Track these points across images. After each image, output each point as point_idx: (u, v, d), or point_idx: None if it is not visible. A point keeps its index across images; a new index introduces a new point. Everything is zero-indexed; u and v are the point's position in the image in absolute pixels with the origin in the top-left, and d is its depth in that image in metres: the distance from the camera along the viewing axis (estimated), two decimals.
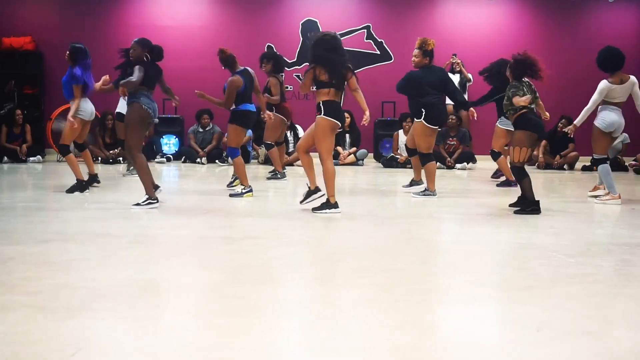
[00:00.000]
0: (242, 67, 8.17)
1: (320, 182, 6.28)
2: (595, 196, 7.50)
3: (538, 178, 10.77)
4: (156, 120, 6.80)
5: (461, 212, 6.62)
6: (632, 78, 7.44)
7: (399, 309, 3.28)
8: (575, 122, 7.63)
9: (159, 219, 5.86)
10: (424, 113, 7.65)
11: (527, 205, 6.34)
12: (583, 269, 4.13)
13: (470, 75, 13.30)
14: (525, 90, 6.63)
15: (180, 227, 5.43)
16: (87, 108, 7.78)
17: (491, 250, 4.71)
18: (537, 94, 6.90)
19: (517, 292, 3.60)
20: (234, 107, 7.77)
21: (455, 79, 13.58)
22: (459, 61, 13.41)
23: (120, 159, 11.85)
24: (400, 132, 12.27)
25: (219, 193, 7.80)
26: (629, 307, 3.43)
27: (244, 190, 7.29)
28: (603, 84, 7.44)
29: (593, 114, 7.56)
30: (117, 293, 3.45)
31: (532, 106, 6.64)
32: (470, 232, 5.48)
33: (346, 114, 12.78)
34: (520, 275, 4.00)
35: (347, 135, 12.90)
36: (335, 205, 6.15)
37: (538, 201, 6.35)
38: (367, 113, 6.62)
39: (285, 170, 9.70)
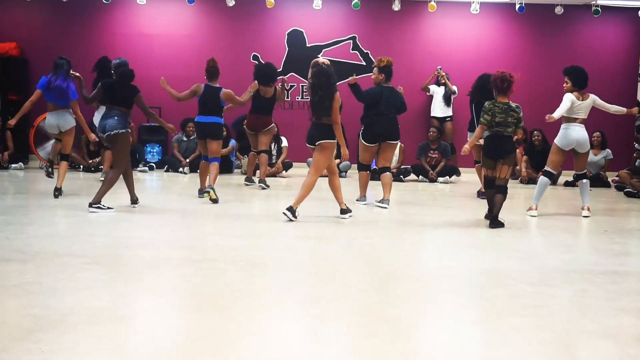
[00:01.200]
0: (215, 85, 8.94)
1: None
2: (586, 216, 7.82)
3: (520, 193, 10.77)
4: (101, 135, 7.44)
5: (426, 231, 6.62)
6: (592, 95, 7.99)
7: (342, 342, 3.26)
8: (555, 115, 7.80)
9: (125, 236, 5.84)
10: (362, 129, 8.63)
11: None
12: (539, 300, 4.11)
13: (455, 88, 13.32)
14: (492, 114, 6.85)
15: (144, 246, 5.40)
16: (51, 121, 8.24)
17: (449, 276, 4.68)
18: (518, 121, 6.96)
19: (466, 325, 3.58)
20: None
21: (440, 91, 13.61)
22: (444, 74, 13.44)
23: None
24: None
25: (193, 205, 7.80)
26: (579, 344, 3.42)
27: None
28: (570, 95, 7.83)
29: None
30: (62, 322, 3.42)
31: (499, 130, 6.87)
32: (430, 255, 5.47)
33: None
34: (473, 305, 3.98)
35: None
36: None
37: (495, 215, 6.79)
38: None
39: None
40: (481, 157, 7.41)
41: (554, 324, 3.69)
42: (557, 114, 7.73)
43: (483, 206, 8.44)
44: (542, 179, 7.89)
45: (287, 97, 13.08)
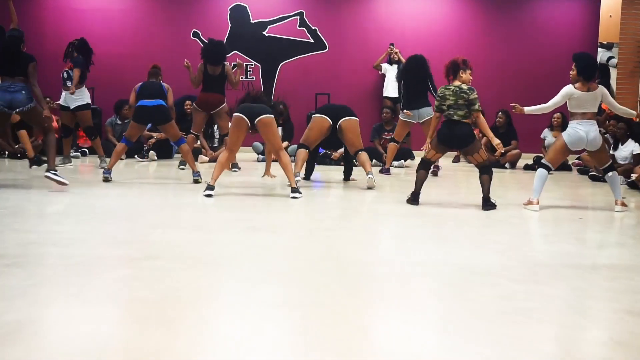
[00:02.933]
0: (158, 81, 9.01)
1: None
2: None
3: (477, 177, 10.38)
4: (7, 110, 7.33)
5: (389, 221, 6.16)
6: (601, 88, 7.09)
7: (310, 355, 2.76)
8: (525, 108, 7.29)
9: (53, 230, 5.21)
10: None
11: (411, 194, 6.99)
12: (531, 301, 3.66)
13: None
14: (442, 97, 6.90)
15: (74, 243, 4.78)
16: None
17: (424, 274, 4.21)
18: (470, 103, 6.81)
19: (452, 335, 3.10)
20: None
21: (393, 70, 13.16)
22: (397, 50, 12.99)
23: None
24: None
25: (131, 194, 7.21)
26: (590, 354, 2.97)
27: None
28: (568, 88, 7.08)
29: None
30: None
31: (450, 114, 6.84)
32: (402, 247, 4.98)
33: (281, 106, 12.25)
34: (456, 310, 3.50)
35: (280, 129, 12.29)
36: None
37: (417, 194, 6.91)
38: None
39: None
40: (433, 139, 7.01)
41: (554, 332, 3.24)
42: (546, 106, 7.19)
43: (451, 192, 8.09)
44: (541, 171, 7.14)
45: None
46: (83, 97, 10.18)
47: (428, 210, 6.74)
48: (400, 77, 10.12)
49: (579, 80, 7.00)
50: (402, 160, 11.56)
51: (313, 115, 8.59)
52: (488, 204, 6.82)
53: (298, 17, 13.75)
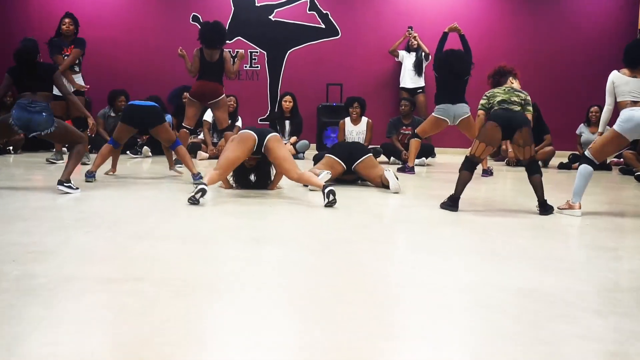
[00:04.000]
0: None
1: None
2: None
3: (507, 177, 9.65)
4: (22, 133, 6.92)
5: (422, 230, 5.37)
6: None
7: None
8: (599, 128, 6.61)
9: (17, 242, 4.41)
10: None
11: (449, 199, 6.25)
12: (621, 343, 2.87)
13: (428, 50, 12.13)
14: (491, 95, 6.60)
15: (41, 257, 4.00)
16: None
17: (475, 301, 3.41)
18: (526, 103, 6.63)
19: None
20: None
21: (410, 58, 12.39)
22: (416, 35, 12.22)
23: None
24: (347, 120, 10.92)
25: (114, 198, 6.44)
26: None
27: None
28: (611, 74, 6.39)
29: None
30: None
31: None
32: (438, 265, 4.19)
33: (288, 97, 11.50)
34: (531, 356, 2.71)
35: (288, 123, 11.54)
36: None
37: (456, 198, 6.17)
38: None
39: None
40: (482, 130, 6.38)
41: None
42: (606, 109, 6.44)
43: (486, 197, 7.29)
44: (584, 167, 6.24)
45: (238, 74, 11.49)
46: (81, 82, 9.49)
47: (467, 217, 5.94)
48: (437, 70, 9.31)
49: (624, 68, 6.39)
50: (423, 158, 10.78)
51: (325, 155, 7.97)
52: (546, 208, 6.13)
53: (308, 0, 12.96)
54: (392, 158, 10.87)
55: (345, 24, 12.99)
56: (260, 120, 12.84)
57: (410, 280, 3.81)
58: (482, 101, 6.67)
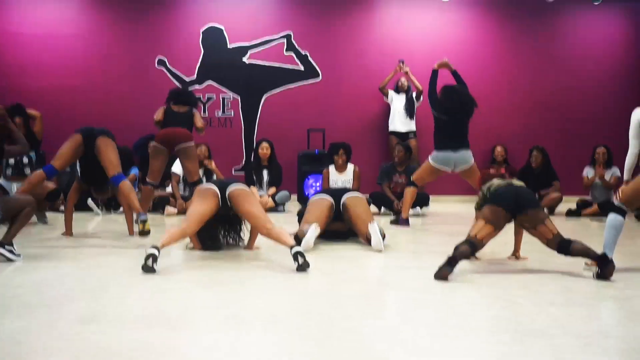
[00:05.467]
0: None
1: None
2: None
3: (509, 227, 8.82)
4: None
5: (438, 301, 4.57)
6: None
7: None
8: (625, 176, 5.87)
9: None
10: None
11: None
12: None
13: (421, 87, 11.49)
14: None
15: None
16: None
17: None
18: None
19: None
20: None
21: (400, 100, 11.74)
22: (408, 69, 11.60)
23: None
24: (332, 168, 10.16)
25: (63, 265, 5.57)
26: None
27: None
28: (634, 112, 5.73)
29: None
30: None
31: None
32: (466, 348, 3.39)
33: (265, 144, 10.78)
34: None
35: (265, 172, 10.77)
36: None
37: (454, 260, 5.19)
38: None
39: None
40: (490, 213, 5.51)
41: None
42: (631, 153, 5.75)
43: (496, 251, 6.48)
44: (615, 218, 5.52)
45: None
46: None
47: (481, 280, 5.16)
48: (437, 109, 8.50)
49: None
50: (418, 208, 10.05)
51: (310, 199, 7.36)
52: (607, 262, 5.16)
53: (285, 40, 12.29)
54: (382, 208, 10.10)
55: (326, 64, 12.32)
56: (235, 171, 12.08)
57: None
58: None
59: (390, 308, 4.41)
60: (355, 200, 7.07)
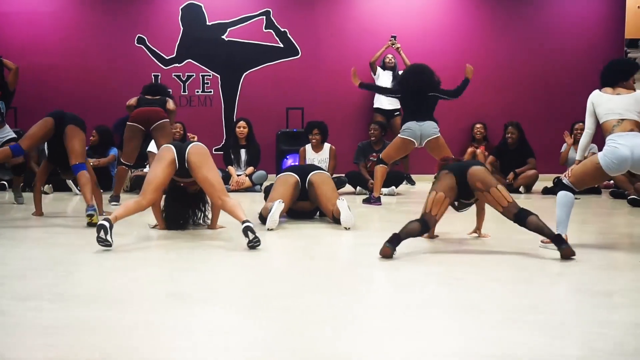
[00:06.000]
0: None
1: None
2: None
3: (473, 208, 8.82)
4: None
5: (389, 278, 4.65)
6: None
7: None
8: (577, 157, 6.00)
9: None
10: None
11: None
12: None
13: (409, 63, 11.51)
14: None
15: None
16: None
17: None
18: None
19: None
20: None
21: (387, 77, 11.71)
22: (399, 46, 11.66)
23: None
24: (308, 147, 10.26)
25: (24, 245, 5.64)
26: None
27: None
28: (592, 94, 5.82)
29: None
30: None
31: None
32: (409, 326, 3.47)
33: (242, 123, 10.83)
34: None
35: (243, 151, 10.81)
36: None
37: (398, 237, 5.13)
38: None
39: None
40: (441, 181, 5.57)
41: None
42: (585, 134, 5.85)
43: (451, 230, 6.53)
44: (564, 195, 5.64)
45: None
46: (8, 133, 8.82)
47: (434, 258, 5.24)
48: (399, 90, 8.93)
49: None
50: (393, 187, 10.07)
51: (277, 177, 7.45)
52: (561, 242, 5.14)
53: (264, 17, 12.29)
54: (358, 188, 10.16)
55: (305, 42, 12.33)
56: (215, 150, 12.12)
57: (373, 354, 3.08)
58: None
59: (334, 284, 4.46)
60: (321, 177, 7.09)
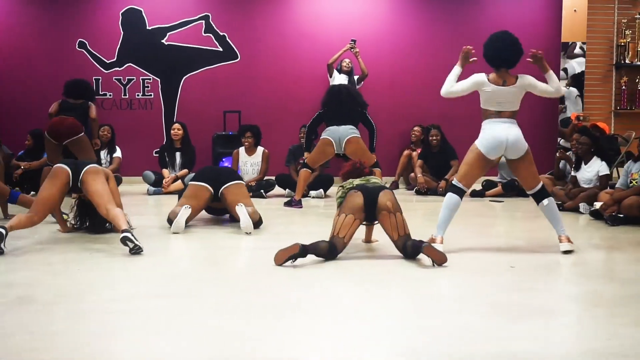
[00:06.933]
0: None
1: None
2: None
3: (416, 209, 9.05)
4: None
5: (265, 282, 4.89)
6: (526, 78, 6.01)
7: None
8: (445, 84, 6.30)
9: None
10: None
11: None
12: None
13: (367, 71, 11.77)
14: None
15: None
16: None
17: None
18: None
19: None
20: None
21: (342, 80, 11.73)
22: (357, 50, 11.81)
23: None
24: (242, 150, 10.51)
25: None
26: None
27: None
28: (478, 76, 6.03)
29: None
30: None
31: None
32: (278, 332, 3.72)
33: (177, 125, 11.06)
34: None
35: (178, 154, 11.04)
36: None
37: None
38: None
39: None
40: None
41: None
42: (455, 84, 6.14)
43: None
44: (451, 198, 5.87)
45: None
46: None
47: (345, 264, 5.47)
48: (323, 105, 9.15)
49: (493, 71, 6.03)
50: (321, 190, 10.28)
51: (189, 184, 7.41)
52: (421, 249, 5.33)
53: (203, 21, 12.49)
54: (287, 190, 10.37)
55: (244, 46, 12.53)
56: (155, 153, 12.31)
57: None
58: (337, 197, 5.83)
59: (209, 288, 4.66)
60: (234, 190, 7.15)
